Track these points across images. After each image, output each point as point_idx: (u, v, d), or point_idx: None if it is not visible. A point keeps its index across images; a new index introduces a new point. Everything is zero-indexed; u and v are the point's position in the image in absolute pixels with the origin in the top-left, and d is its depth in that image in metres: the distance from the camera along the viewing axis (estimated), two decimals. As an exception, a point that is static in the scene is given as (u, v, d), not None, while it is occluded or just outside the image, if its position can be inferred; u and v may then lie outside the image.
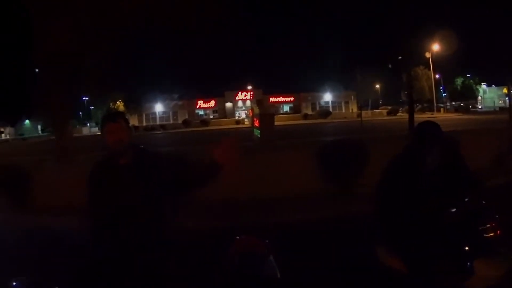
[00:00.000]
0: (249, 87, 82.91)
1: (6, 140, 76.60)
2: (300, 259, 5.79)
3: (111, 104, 69.28)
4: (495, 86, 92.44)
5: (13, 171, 11.31)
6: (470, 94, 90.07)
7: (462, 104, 78.81)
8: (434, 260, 3.32)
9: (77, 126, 69.11)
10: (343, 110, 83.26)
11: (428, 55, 71.84)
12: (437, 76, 79.09)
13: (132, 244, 2.96)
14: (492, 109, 74.66)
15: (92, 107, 71.10)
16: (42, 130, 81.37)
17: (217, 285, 2.64)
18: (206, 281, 2.88)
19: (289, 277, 2.69)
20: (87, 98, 46.64)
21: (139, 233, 2.96)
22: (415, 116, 20.93)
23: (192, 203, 9.52)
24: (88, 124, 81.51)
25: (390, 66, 72.98)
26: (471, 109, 69.88)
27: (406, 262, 3.40)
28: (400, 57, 62.68)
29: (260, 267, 2.60)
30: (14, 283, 2.45)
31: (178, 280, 3.11)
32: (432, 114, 61.15)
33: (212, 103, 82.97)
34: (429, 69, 75.85)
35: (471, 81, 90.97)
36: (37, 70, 12.78)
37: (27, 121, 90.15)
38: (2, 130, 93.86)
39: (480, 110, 72.41)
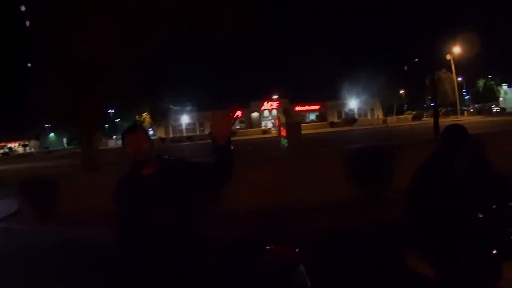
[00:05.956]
0: (275, 96, 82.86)
1: (31, 153, 78.16)
2: (330, 267, 5.77)
3: (137, 116, 69.91)
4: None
5: (41, 183, 11.43)
6: (491, 96, 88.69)
7: (483, 106, 78.03)
8: (463, 265, 3.35)
9: (103, 139, 69.83)
10: (369, 117, 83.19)
11: (449, 57, 71.10)
12: (459, 79, 78.20)
13: (162, 253, 3.02)
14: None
15: (118, 119, 71.87)
16: (68, 143, 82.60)
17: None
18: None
19: (319, 285, 2.67)
20: (112, 111, 47.13)
21: (169, 241, 3.02)
22: (440, 120, 20.95)
23: (221, 214, 9.52)
24: (114, 136, 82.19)
25: (406, 68, 72.69)
26: (493, 111, 69.38)
27: (436, 268, 3.43)
28: (416, 60, 62.59)
29: (291, 276, 2.62)
30: None
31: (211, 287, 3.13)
32: (456, 118, 60.59)
33: (238, 113, 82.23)
34: (451, 72, 74.87)
35: (492, 82, 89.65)
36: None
37: (52, 134, 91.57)
38: (26, 143, 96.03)
39: (496, 111, 71.59)
